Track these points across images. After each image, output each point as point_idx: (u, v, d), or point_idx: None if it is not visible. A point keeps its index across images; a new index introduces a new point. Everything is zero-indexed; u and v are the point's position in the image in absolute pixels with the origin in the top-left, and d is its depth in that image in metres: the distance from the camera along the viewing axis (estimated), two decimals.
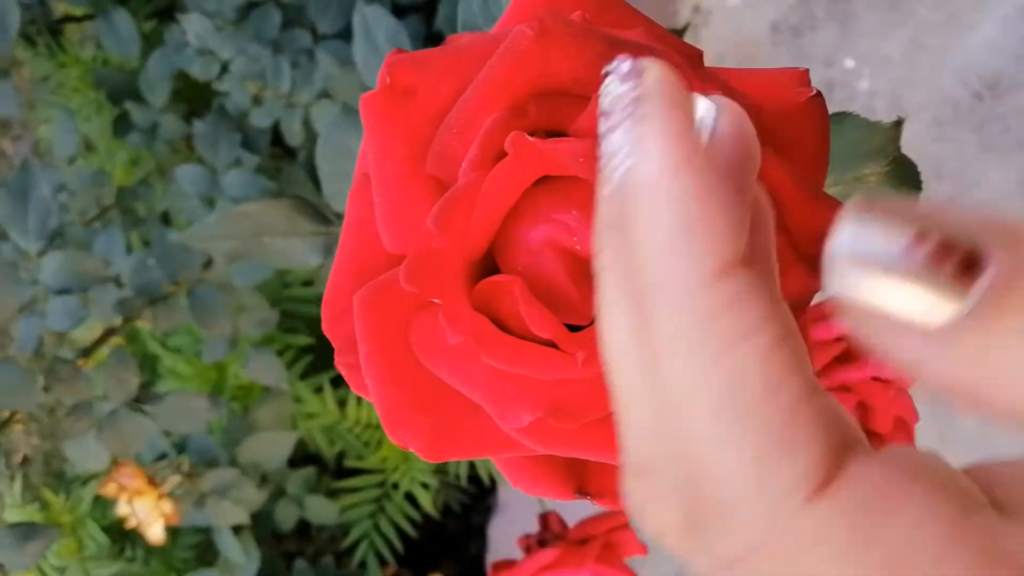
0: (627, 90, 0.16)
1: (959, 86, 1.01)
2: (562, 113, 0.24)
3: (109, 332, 0.68)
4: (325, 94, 0.79)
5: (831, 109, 0.22)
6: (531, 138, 0.22)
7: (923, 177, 0.37)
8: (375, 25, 0.59)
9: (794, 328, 0.16)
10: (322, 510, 0.89)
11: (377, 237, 0.26)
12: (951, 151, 0.99)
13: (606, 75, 0.16)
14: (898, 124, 0.38)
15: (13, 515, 0.80)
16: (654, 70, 0.16)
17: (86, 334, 0.79)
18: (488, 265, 0.25)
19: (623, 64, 0.16)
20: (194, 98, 0.98)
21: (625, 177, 0.16)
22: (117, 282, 0.67)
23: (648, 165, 0.15)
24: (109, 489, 0.76)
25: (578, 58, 0.23)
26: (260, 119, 0.83)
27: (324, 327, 0.28)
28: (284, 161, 0.92)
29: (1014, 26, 0.99)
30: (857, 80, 1.08)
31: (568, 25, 0.22)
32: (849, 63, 1.08)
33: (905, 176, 0.37)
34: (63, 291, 0.62)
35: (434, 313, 0.25)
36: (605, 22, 0.20)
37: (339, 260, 0.28)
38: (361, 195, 0.26)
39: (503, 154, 0.23)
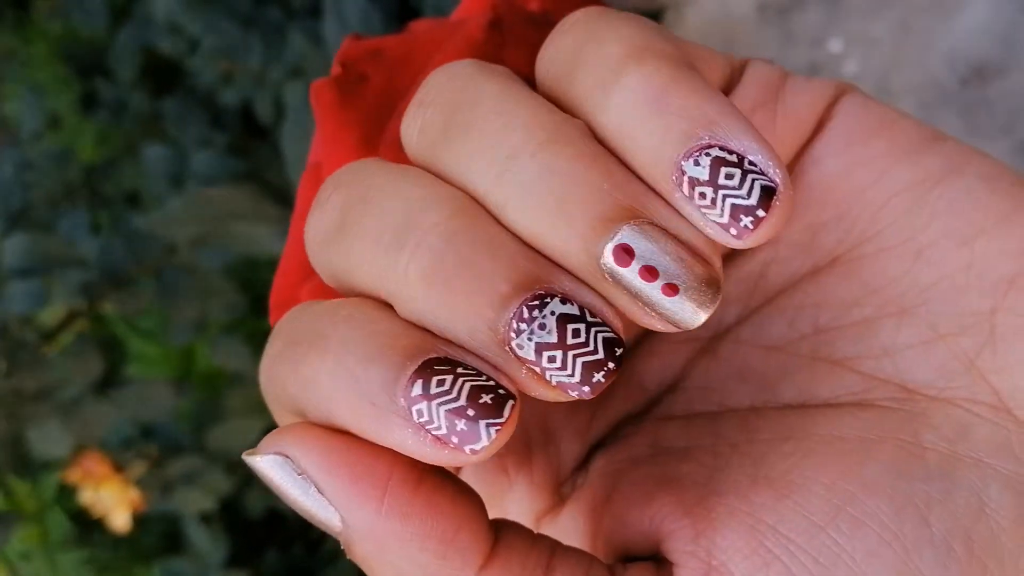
0: None
1: (946, 69, 1.00)
2: None
3: (73, 315, 0.66)
4: (296, 72, 0.77)
5: None
6: None
7: None
8: (347, 5, 0.58)
9: None
10: None
11: None
12: None
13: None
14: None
15: None
16: None
17: (52, 316, 0.77)
18: None
19: None
20: (163, 75, 0.96)
21: None
22: (82, 264, 0.65)
23: None
24: (74, 476, 0.74)
25: (533, 50, 0.22)
26: (230, 97, 0.81)
27: (271, 317, 0.28)
28: (253, 140, 0.90)
29: (1002, 10, 0.98)
30: (844, 61, 1.07)
31: (524, 15, 0.22)
32: (836, 45, 1.07)
33: None
34: (26, 273, 0.61)
35: None
36: (565, 12, 0.19)
37: (288, 250, 0.27)
38: (312, 183, 0.25)
39: None
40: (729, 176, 0.17)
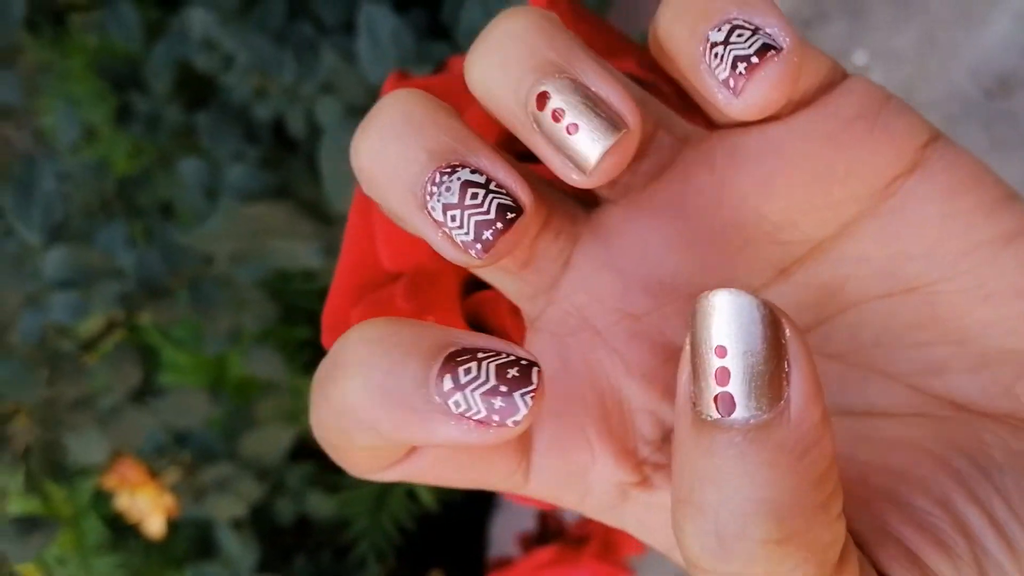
0: None
1: (970, 82, 1.01)
2: None
3: (112, 326, 0.68)
4: (328, 88, 0.78)
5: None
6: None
7: None
8: (379, 24, 0.59)
9: None
10: (321, 505, 0.89)
11: (376, 254, 0.27)
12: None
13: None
14: None
15: (15, 506, 0.80)
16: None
17: (87, 326, 0.79)
18: (478, 280, 0.27)
19: None
20: (197, 89, 0.97)
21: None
22: (120, 275, 0.67)
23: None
24: (110, 482, 0.76)
25: None
26: (263, 112, 0.83)
27: (324, 338, 0.29)
28: (286, 154, 0.92)
29: None
30: (868, 74, 1.07)
31: None
32: (861, 57, 1.08)
33: None
34: (67, 284, 0.62)
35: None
36: (596, 49, 0.21)
37: (339, 274, 0.29)
38: (361, 213, 0.26)
39: None
40: (739, 35, 0.19)
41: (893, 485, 0.21)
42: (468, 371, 0.18)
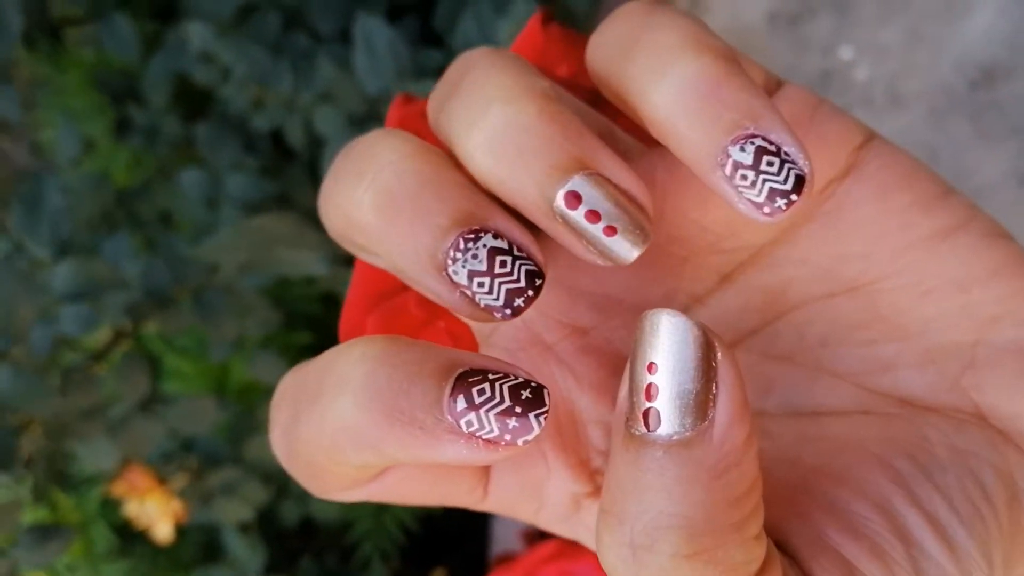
0: None
1: (955, 75, 1.02)
2: None
3: (119, 336, 0.69)
4: (326, 97, 0.80)
5: (829, 98, 0.24)
6: None
7: None
8: (375, 35, 0.61)
9: None
10: (325, 507, 0.90)
11: None
12: (947, 140, 1.01)
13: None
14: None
15: (26, 516, 0.82)
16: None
17: (93, 337, 0.80)
18: None
19: None
20: (194, 100, 0.99)
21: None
22: (126, 286, 0.68)
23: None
24: (119, 489, 0.77)
25: None
26: (261, 122, 0.84)
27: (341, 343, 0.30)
28: (285, 163, 0.93)
29: (1010, 13, 1.00)
30: (854, 69, 1.09)
31: (552, 79, 0.24)
32: (847, 52, 1.09)
33: None
34: (76, 297, 0.63)
35: (440, 329, 0.28)
36: (581, 69, 0.22)
37: (354, 283, 0.30)
38: None
39: None
40: (770, 164, 0.20)
41: (834, 490, 0.22)
42: (482, 392, 0.19)
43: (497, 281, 0.20)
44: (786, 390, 0.25)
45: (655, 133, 0.21)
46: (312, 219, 0.53)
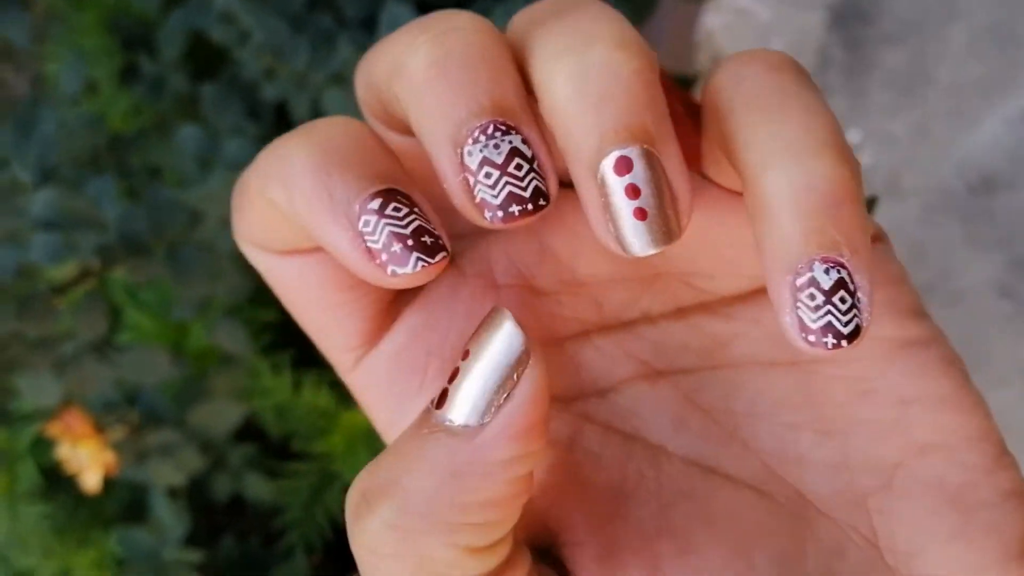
0: None
1: (956, 176, 1.04)
2: None
3: (86, 274, 0.68)
4: (338, 80, 0.80)
5: None
6: None
7: (904, 260, 0.38)
8: (401, 23, 0.61)
9: None
10: (258, 488, 0.89)
11: None
12: (936, 238, 1.02)
13: None
14: (871, 201, 0.39)
15: None
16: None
17: (58, 272, 0.79)
18: None
19: None
20: (206, 59, 0.98)
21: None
22: (103, 227, 0.67)
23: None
24: (54, 430, 0.75)
25: None
26: (270, 92, 0.84)
27: None
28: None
29: (1016, 128, 1.02)
30: (859, 153, 1.10)
31: None
32: (855, 135, 1.11)
33: None
34: (51, 226, 0.62)
35: None
36: None
37: None
38: None
39: None
40: (843, 300, 0.19)
41: (671, 553, 0.22)
42: (397, 209, 0.19)
43: (504, 179, 0.19)
44: (694, 438, 0.24)
45: (749, 200, 0.19)
46: None
